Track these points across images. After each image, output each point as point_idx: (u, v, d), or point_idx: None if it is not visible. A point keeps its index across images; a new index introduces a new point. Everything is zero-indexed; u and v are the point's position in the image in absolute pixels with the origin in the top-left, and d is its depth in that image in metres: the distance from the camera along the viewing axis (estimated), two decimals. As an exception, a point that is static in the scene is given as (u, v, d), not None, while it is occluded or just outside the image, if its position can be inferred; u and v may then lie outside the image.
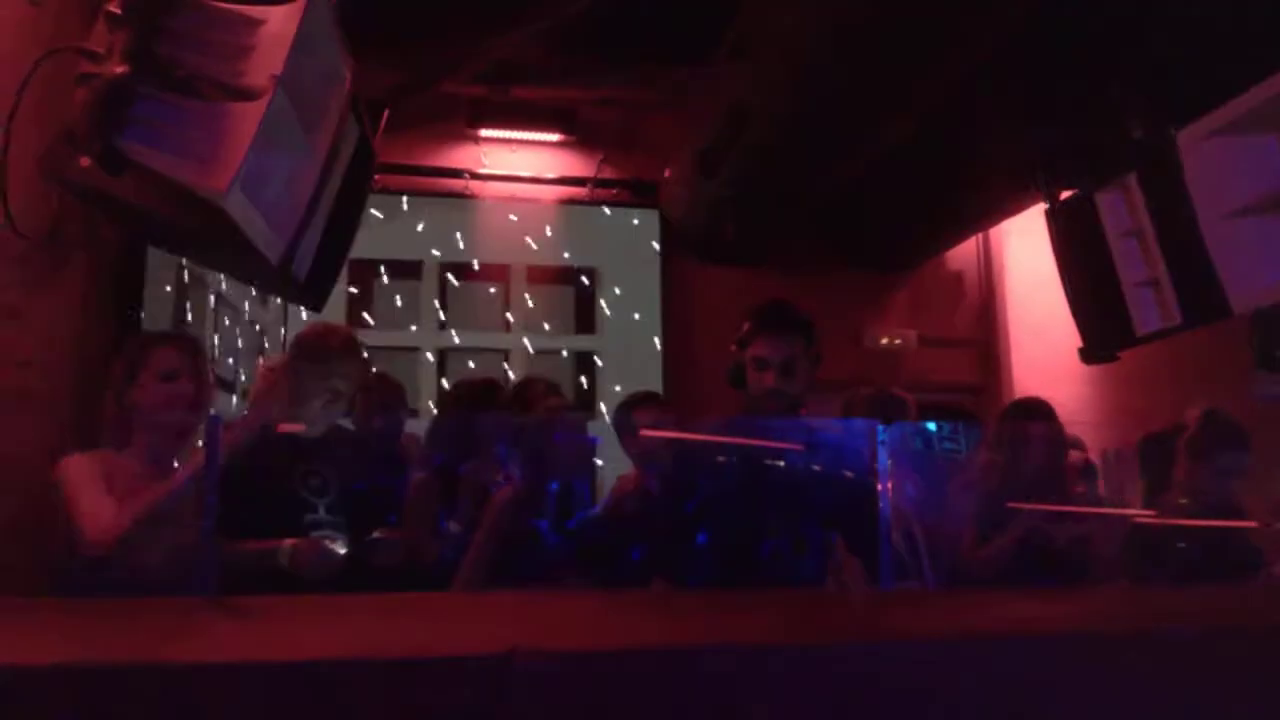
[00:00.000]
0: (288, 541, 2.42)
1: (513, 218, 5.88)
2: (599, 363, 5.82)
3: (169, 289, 3.34)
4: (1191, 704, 1.33)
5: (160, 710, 1.04)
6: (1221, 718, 1.34)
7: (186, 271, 3.54)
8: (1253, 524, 3.18)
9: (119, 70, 2.27)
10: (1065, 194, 3.63)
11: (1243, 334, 3.29)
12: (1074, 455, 3.52)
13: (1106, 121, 3.33)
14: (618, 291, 5.92)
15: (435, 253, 5.78)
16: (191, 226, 2.74)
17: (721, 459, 2.56)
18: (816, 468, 2.57)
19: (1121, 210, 3.31)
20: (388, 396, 3.50)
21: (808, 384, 2.56)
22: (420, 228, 5.72)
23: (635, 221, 6.02)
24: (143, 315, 3.07)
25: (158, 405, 2.36)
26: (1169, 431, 3.27)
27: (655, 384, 5.31)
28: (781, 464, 2.52)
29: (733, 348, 2.59)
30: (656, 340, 5.84)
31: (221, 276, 3.90)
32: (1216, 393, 3.83)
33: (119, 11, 2.29)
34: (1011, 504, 2.95)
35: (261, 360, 3.27)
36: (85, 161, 2.33)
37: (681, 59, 5.58)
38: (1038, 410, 3.13)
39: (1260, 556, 3.12)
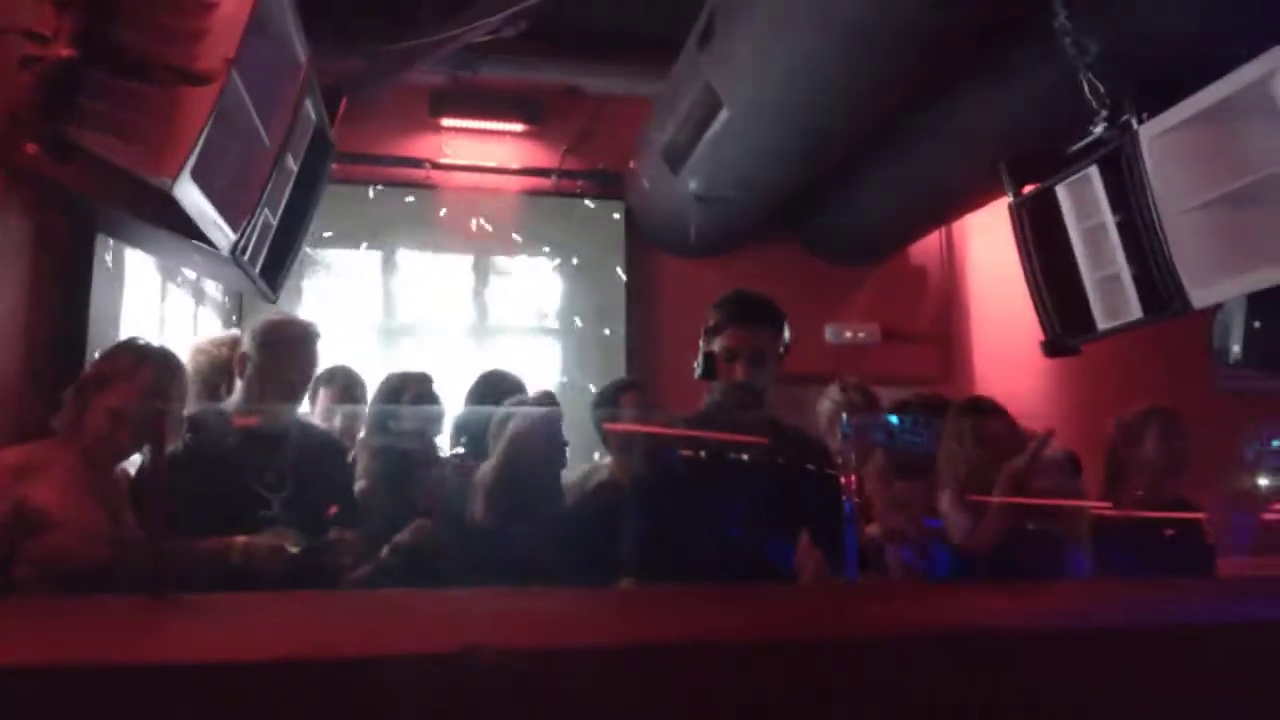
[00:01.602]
0: (240, 539, 2.37)
1: (475, 208, 5.83)
2: (562, 353, 5.80)
3: (117, 279, 3.26)
4: (1159, 700, 1.32)
5: (109, 711, 1.01)
6: (1190, 714, 1.35)
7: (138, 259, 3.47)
8: (1203, 515, 3.23)
9: (66, 53, 2.21)
10: (1028, 188, 3.65)
11: (1202, 328, 3.31)
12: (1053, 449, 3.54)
13: (1068, 115, 3.34)
14: (582, 282, 5.90)
15: (395, 242, 5.71)
16: (142, 215, 2.69)
17: (690, 452, 2.55)
18: (782, 461, 2.56)
19: (1083, 204, 3.33)
20: (349, 389, 3.46)
21: (775, 375, 2.55)
22: (379, 218, 5.66)
23: (600, 212, 6.00)
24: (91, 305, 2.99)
25: (97, 443, 2.30)
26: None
27: (619, 374, 5.28)
28: (748, 458, 2.51)
29: (701, 339, 2.58)
30: (621, 331, 5.83)
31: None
32: (1177, 386, 3.89)
33: (65, -8, 2.22)
34: (975, 497, 2.96)
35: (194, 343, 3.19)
36: (31, 147, 2.27)
37: (649, 49, 5.56)
38: (986, 408, 3.12)
39: (1212, 550, 3.17)
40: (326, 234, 5.36)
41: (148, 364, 2.34)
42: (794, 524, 2.54)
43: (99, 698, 1.00)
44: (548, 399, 3.10)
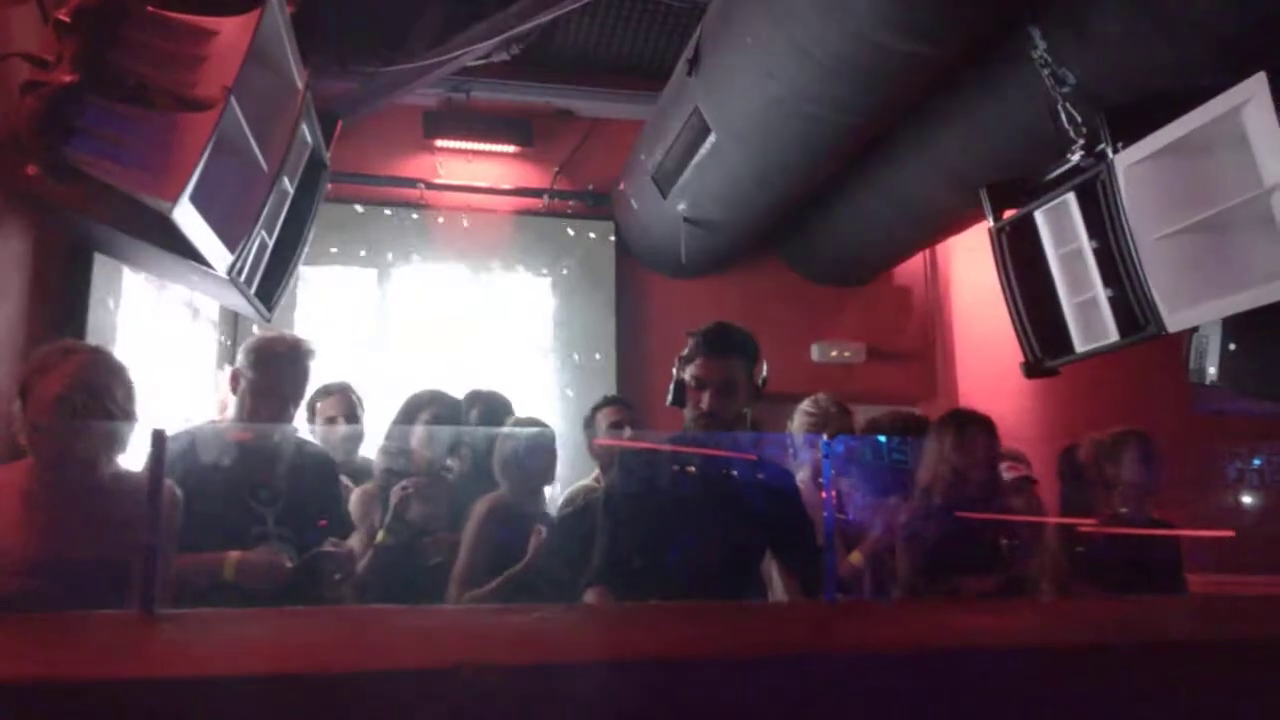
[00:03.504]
0: (233, 554, 2.40)
1: (467, 226, 5.88)
2: (553, 372, 5.84)
3: (114, 298, 3.29)
4: (1131, 717, 1.35)
5: None
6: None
7: (134, 279, 3.50)
8: (1185, 533, 3.28)
9: (68, 79, 2.25)
10: (1008, 213, 3.70)
11: (1178, 350, 3.37)
12: (1010, 468, 3.60)
13: (1047, 143, 3.41)
14: (572, 302, 5.94)
15: (389, 261, 5.75)
16: (139, 235, 2.73)
17: (653, 471, 2.59)
18: (761, 476, 2.60)
19: (1061, 230, 3.38)
20: (345, 406, 3.49)
21: (749, 405, 2.57)
22: (374, 237, 5.70)
23: (591, 233, 6.05)
24: (88, 323, 3.02)
25: (30, 451, 2.15)
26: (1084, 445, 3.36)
27: (609, 391, 5.30)
28: (709, 481, 2.53)
29: (675, 367, 2.61)
30: (611, 348, 5.87)
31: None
32: (1155, 407, 3.94)
33: (68, 20, 2.27)
34: (958, 513, 3.01)
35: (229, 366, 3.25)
36: (32, 169, 2.31)
37: (639, 74, 5.64)
38: (971, 421, 3.17)
39: (1180, 568, 3.21)
40: (321, 253, 5.39)
41: (61, 367, 2.13)
42: (752, 548, 2.57)
43: (86, 712, 1.02)
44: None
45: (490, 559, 2.85)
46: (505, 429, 3.11)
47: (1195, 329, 3.21)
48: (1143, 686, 1.35)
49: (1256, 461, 4.98)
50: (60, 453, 2.16)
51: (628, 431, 3.48)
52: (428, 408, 3.19)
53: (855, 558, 3.03)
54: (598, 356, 5.85)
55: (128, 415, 2.20)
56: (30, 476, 2.15)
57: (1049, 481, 3.56)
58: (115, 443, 2.22)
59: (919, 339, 6.45)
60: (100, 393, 2.15)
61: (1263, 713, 1.39)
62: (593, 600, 2.40)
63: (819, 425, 3.32)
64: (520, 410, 3.47)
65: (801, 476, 3.14)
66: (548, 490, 3.32)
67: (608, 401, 3.78)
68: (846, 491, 3.22)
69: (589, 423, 3.69)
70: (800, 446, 3.32)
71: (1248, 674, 1.41)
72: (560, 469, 3.25)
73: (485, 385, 3.61)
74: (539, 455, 3.08)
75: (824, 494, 2.54)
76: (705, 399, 2.50)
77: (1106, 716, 1.33)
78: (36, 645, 1.37)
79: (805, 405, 3.43)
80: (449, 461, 3.12)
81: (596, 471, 3.61)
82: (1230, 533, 3.35)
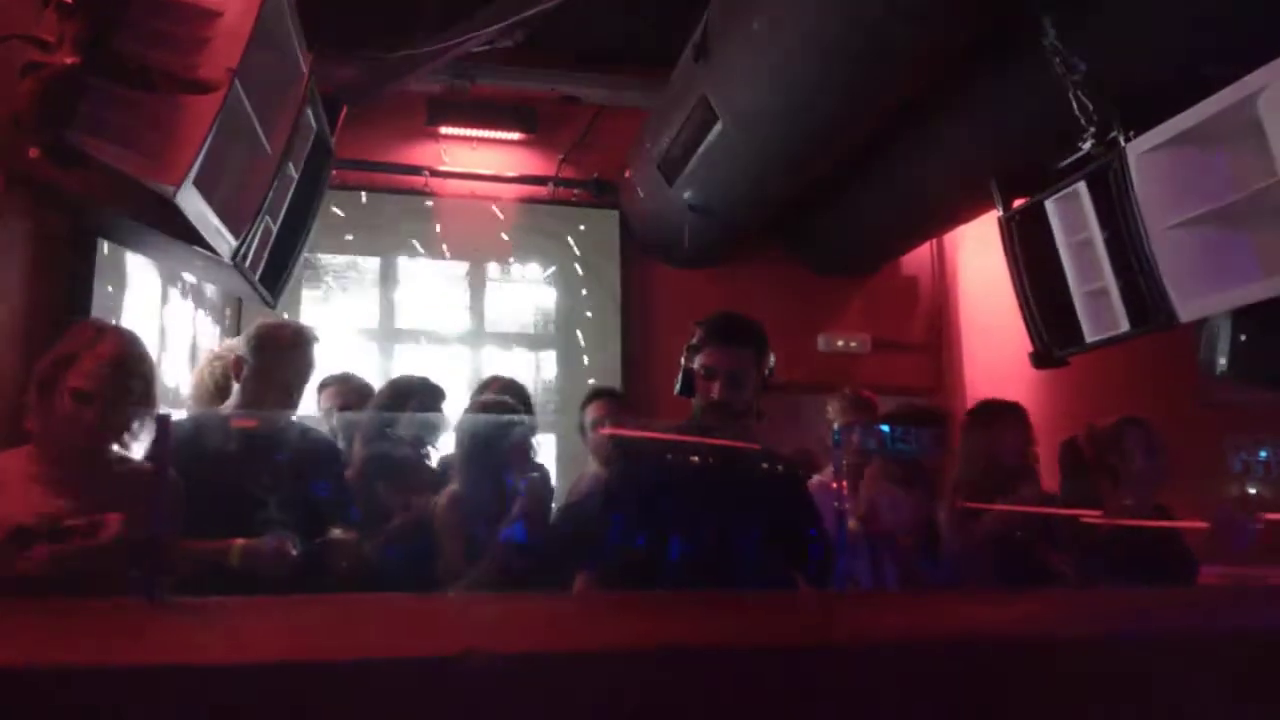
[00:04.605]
0: (238, 541, 2.38)
1: (472, 215, 5.86)
2: (557, 360, 5.83)
3: (117, 285, 3.28)
4: (1136, 707, 1.34)
5: (104, 713, 1.02)
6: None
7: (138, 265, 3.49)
8: (1198, 524, 3.26)
9: (69, 60, 2.23)
10: (1018, 202, 3.69)
11: (1189, 341, 3.36)
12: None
13: (1057, 132, 3.39)
14: (577, 290, 5.93)
15: (393, 248, 5.74)
16: (143, 220, 2.71)
17: (668, 457, 2.56)
18: (765, 465, 2.58)
19: (1072, 219, 3.37)
20: (353, 394, 3.47)
21: (757, 395, 2.55)
22: (378, 224, 5.69)
23: (595, 221, 6.03)
24: (91, 310, 3.00)
25: (62, 427, 2.14)
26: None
27: (614, 383, 5.31)
28: (718, 473, 2.51)
29: (683, 356, 2.60)
30: (616, 337, 5.86)
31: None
32: (1164, 398, 3.92)
33: (70, 1, 2.25)
34: (974, 504, 3.00)
35: (210, 350, 3.23)
36: (33, 152, 2.29)
37: (645, 61, 5.60)
38: (1009, 411, 3.16)
39: (1194, 559, 3.19)
40: (325, 239, 5.37)
41: (107, 337, 2.18)
42: (758, 538, 2.54)
43: (90, 700, 1.02)
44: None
45: (460, 554, 2.73)
46: (467, 415, 2.97)
47: (1206, 319, 3.19)
48: (1147, 676, 1.36)
49: (1263, 454, 4.96)
50: (88, 428, 2.13)
51: None
52: (412, 396, 3.17)
53: (854, 524, 3.02)
54: (602, 342, 5.84)
55: (150, 399, 2.23)
56: (47, 463, 2.14)
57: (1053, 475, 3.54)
58: (140, 426, 2.22)
59: (926, 329, 6.43)
60: (137, 373, 2.19)
61: (1264, 703, 1.38)
62: (580, 587, 2.40)
63: (844, 418, 3.34)
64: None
65: (828, 470, 3.14)
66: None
67: (595, 395, 3.72)
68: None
69: (584, 415, 3.64)
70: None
71: (1249, 664, 1.41)
72: (566, 458, 3.21)
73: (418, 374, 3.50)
74: (501, 444, 2.78)
75: (833, 485, 2.51)
76: (715, 388, 2.48)
77: (1110, 706, 1.33)
78: (41, 632, 1.38)
79: (833, 400, 3.45)
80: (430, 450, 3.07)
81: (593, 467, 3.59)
82: (1205, 524, 3.33)
